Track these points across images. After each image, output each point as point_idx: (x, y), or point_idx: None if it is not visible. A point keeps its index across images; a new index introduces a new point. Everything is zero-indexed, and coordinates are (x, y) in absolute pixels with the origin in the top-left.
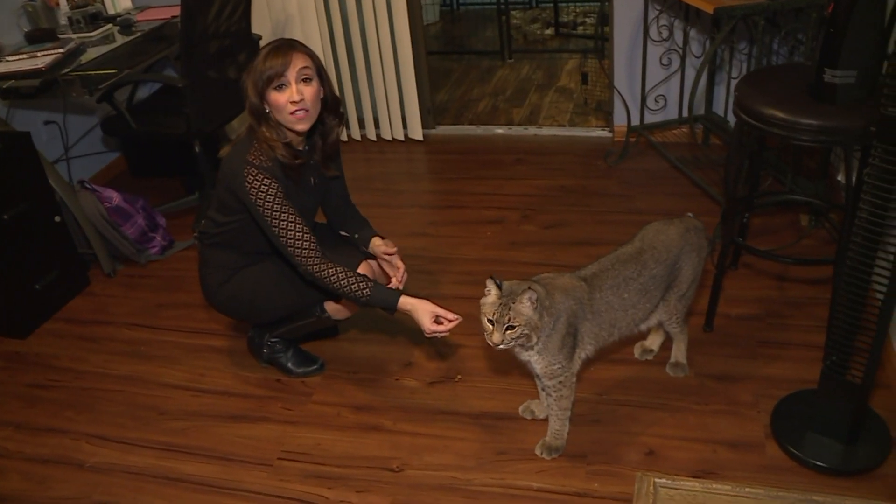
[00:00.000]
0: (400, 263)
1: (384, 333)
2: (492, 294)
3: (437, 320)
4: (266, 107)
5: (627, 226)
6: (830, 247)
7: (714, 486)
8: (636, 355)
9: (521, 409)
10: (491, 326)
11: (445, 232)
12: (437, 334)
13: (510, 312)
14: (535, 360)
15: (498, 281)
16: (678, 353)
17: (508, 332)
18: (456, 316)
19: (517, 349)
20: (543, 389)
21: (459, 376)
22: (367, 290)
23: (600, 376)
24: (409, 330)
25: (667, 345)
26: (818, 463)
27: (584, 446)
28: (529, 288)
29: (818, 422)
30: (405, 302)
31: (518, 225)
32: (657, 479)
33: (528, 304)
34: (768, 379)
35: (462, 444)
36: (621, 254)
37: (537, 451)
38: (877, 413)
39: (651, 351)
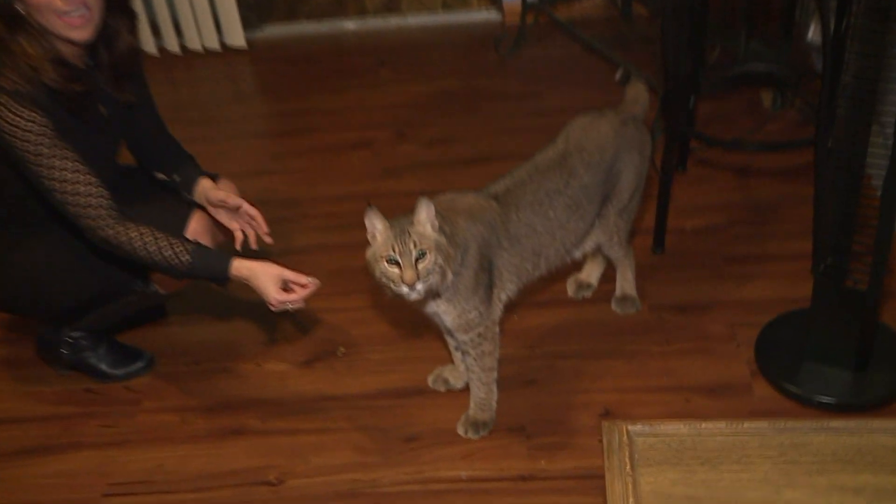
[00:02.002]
0: (253, 210)
1: (232, 307)
2: (378, 228)
3: (286, 287)
4: (19, 6)
5: (536, 133)
6: (804, 129)
7: (704, 426)
8: (570, 293)
9: (430, 379)
10: (397, 268)
11: (295, 165)
12: (287, 306)
13: (412, 238)
14: (443, 309)
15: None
16: (625, 283)
17: (422, 263)
18: (311, 279)
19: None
20: (458, 349)
21: (342, 349)
22: (186, 255)
23: (528, 325)
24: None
25: (608, 275)
26: (823, 399)
27: (521, 416)
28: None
29: (816, 348)
30: (240, 267)
31: (392, 146)
32: (630, 427)
33: (427, 216)
34: (743, 303)
35: (359, 436)
36: (541, 161)
37: (460, 431)
38: (889, 327)
39: (589, 286)
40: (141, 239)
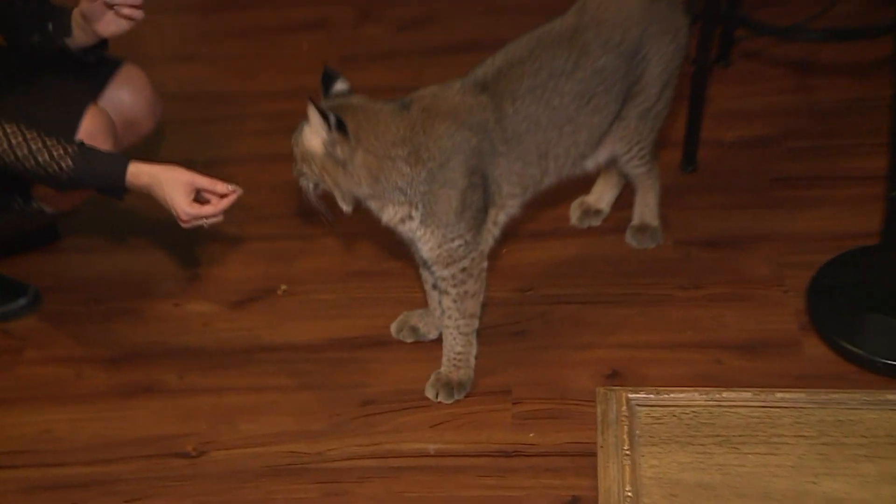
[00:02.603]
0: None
1: (143, 230)
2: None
3: (199, 198)
4: None
5: (536, 14)
6: (881, 12)
7: (725, 395)
8: (574, 221)
9: (394, 328)
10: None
11: (228, 49)
12: (201, 222)
13: (295, 148)
14: (419, 235)
15: (322, 107)
16: (645, 210)
17: (302, 180)
18: (231, 186)
19: (396, 223)
20: (435, 287)
21: (284, 287)
22: (68, 159)
23: (518, 261)
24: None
25: (624, 200)
26: (891, 361)
27: (507, 376)
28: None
29: (885, 297)
30: (139, 173)
31: (354, 28)
32: (630, 395)
33: (312, 122)
34: (794, 238)
35: (302, 398)
36: (544, 35)
37: (429, 394)
38: None
39: (598, 212)
40: (7, 140)
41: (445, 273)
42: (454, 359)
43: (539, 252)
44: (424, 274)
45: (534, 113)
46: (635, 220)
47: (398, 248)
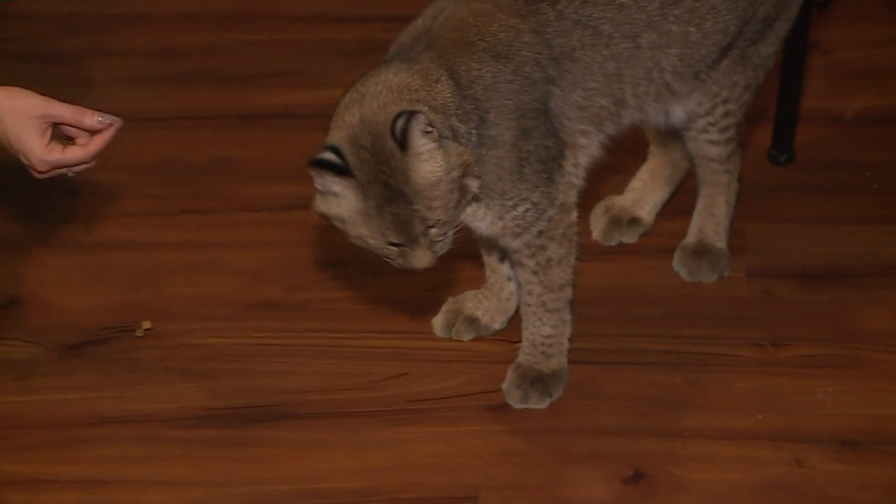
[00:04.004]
0: None
1: None
2: (343, 190)
3: (57, 134)
4: None
5: None
6: None
7: None
8: (596, 235)
9: (440, 324)
10: (395, 247)
11: None
12: (64, 170)
13: (419, 212)
14: (480, 216)
15: (328, 157)
16: (708, 221)
17: (436, 234)
18: (105, 117)
19: None
20: (505, 261)
21: (147, 324)
22: None
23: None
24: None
25: (677, 205)
26: None
27: (475, 474)
28: (406, 114)
29: None
30: None
31: None
32: None
33: (424, 142)
34: None
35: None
36: None
37: (513, 399)
38: None
39: (635, 222)
40: None
41: (517, 244)
42: (542, 343)
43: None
44: (485, 256)
45: (589, 16)
46: (691, 237)
47: (332, 267)
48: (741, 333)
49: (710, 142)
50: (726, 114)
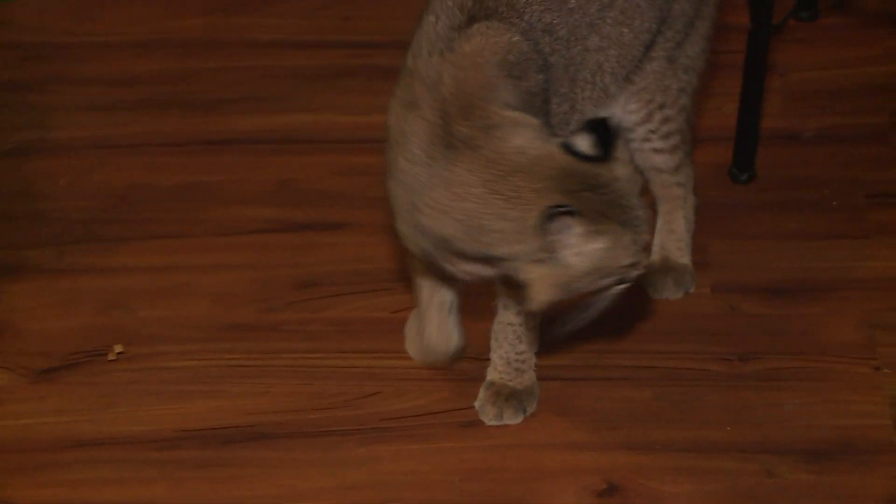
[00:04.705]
0: None
1: None
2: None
3: None
4: None
5: None
6: None
7: None
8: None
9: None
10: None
11: None
12: None
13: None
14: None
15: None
16: (670, 238)
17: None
18: None
19: None
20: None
21: (119, 348)
22: None
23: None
24: None
25: None
26: None
27: (447, 492)
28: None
29: None
30: None
31: None
32: None
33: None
34: None
35: None
36: None
37: (487, 414)
38: None
39: None
40: None
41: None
42: (516, 360)
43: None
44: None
45: (550, 23)
46: (654, 255)
47: (303, 289)
48: (708, 348)
49: (655, 150)
50: (665, 119)
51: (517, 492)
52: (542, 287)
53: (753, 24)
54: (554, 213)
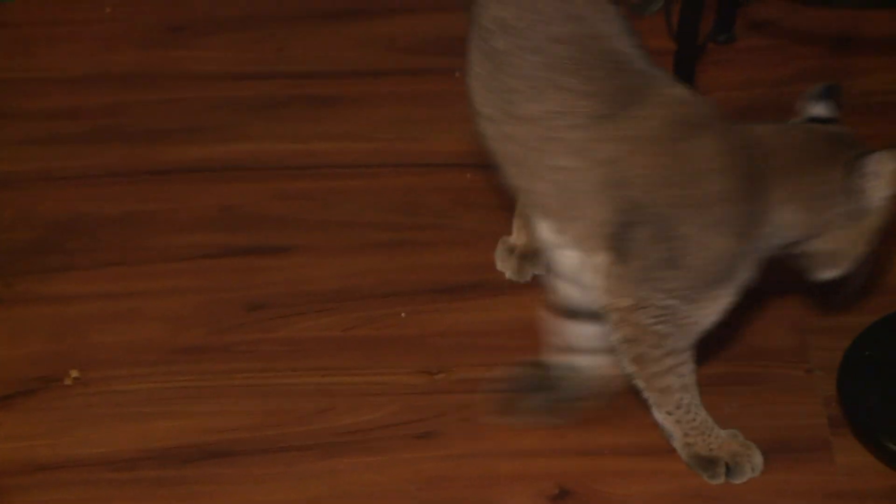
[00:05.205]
0: None
1: None
2: None
3: None
4: None
5: None
6: None
7: None
8: (510, 275)
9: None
10: None
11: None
12: None
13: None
14: None
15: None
16: None
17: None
18: None
19: None
20: None
21: (75, 373)
22: None
23: (425, 330)
24: None
25: None
26: None
27: (402, 501)
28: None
29: None
30: None
31: None
32: None
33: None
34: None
35: None
36: None
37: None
38: None
39: (539, 255)
40: None
41: None
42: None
43: (455, 316)
44: None
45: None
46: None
47: (252, 311)
48: None
49: None
50: None
51: (473, 498)
52: (858, 242)
53: (679, 46)
54: (861, 156)
